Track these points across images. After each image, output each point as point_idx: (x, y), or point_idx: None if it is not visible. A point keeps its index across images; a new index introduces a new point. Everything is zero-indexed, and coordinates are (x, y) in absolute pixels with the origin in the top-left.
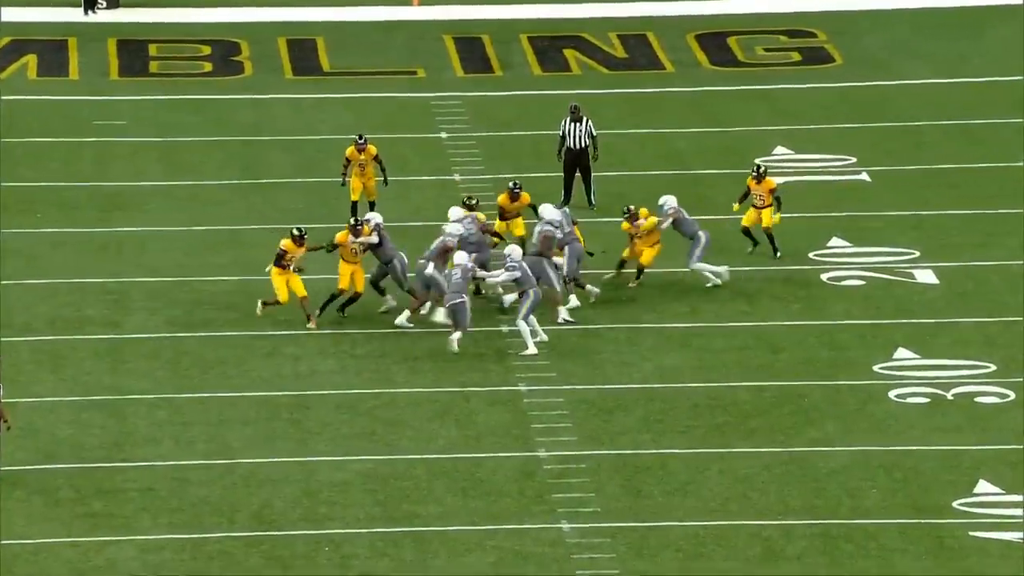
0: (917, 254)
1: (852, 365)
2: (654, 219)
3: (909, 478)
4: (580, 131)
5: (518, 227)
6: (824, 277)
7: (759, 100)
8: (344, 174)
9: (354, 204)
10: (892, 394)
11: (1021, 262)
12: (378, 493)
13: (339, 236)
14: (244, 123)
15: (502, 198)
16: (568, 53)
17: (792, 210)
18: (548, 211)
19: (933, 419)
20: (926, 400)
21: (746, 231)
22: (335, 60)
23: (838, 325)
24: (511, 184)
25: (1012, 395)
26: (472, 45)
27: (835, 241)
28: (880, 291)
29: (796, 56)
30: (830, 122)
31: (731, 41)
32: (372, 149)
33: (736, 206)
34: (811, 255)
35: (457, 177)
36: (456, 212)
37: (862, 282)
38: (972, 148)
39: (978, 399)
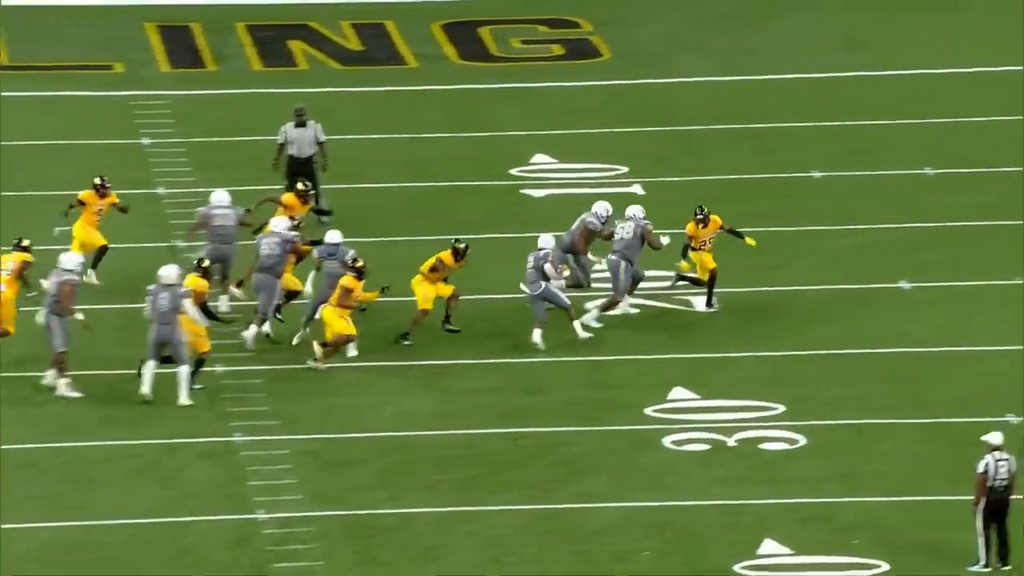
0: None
1: (622, 407)
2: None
3: (685, 537)
4: (305, 137)
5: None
6: (590, 305)
7: (516, 100)
8: (66, 213)
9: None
10: (667, 440)
11: (816, 287)
12: (66, 566)
13: (197, 284)
14: None
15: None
16: (294, 45)
17: (554, 227)
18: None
19: (713, 469)
20: (705, 447)
21: (708, 278)
22: (15, 51)
23: (606, 361)
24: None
25: (802, 440)
26: (179, 35)
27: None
28: (654, 321)
29: (558, 49)
30: (597, 126)
31: (483, 32)
32: (114, 196)
33: (685, 265)
34: None
35: (161, 191)
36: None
37: (634, 311)
38: (760, 156)
39: (764, 445)
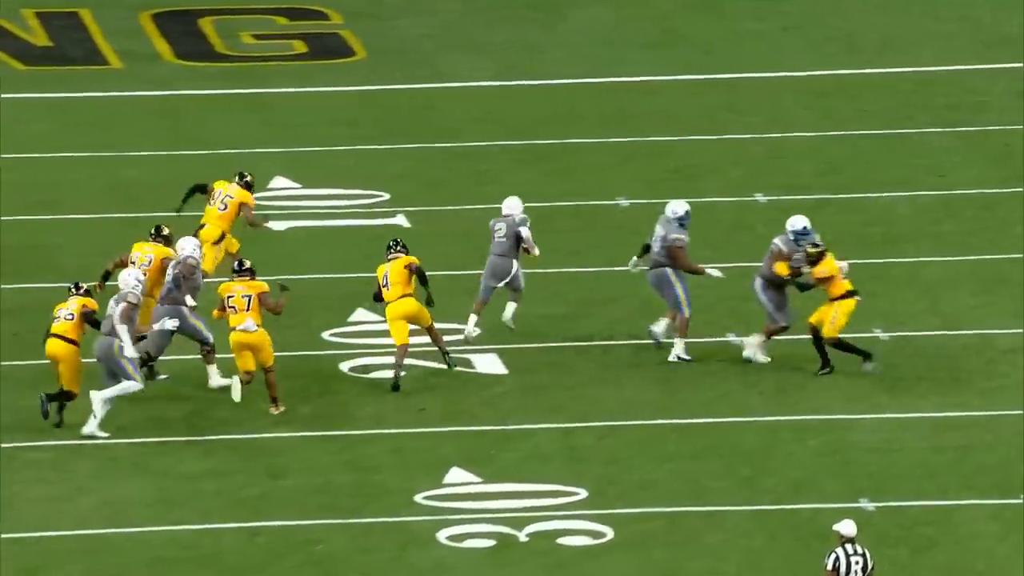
0: (477, 332)
1: (386, 494)
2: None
3: None
4: None
5: None
6: (345, 367)
7: (248, 110)
8: None
9: None
10: (443, 535)
11: (624, 342)
12: None
13: (76, 304)
14: None
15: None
16: None
17: (298, 270)
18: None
19: (500, 570)
20: (490, 543)
21: (816, 338)
22: None
23: (365, 436)
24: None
25: (609, 534)
26: None
27: (360, 315)
28: (425, 384)
29: (300, 46)
30: (351, 142)
31: (204, 24)
32: None
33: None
34: (326, 335)
35: None
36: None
37: (402, 373)
38: (553, 180)
39: (562, 540)
